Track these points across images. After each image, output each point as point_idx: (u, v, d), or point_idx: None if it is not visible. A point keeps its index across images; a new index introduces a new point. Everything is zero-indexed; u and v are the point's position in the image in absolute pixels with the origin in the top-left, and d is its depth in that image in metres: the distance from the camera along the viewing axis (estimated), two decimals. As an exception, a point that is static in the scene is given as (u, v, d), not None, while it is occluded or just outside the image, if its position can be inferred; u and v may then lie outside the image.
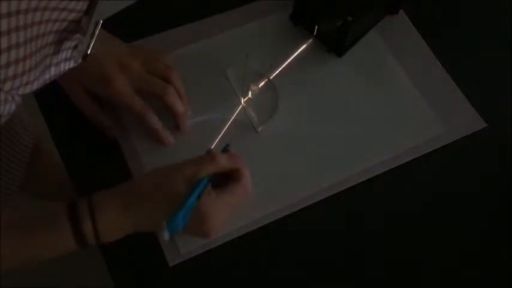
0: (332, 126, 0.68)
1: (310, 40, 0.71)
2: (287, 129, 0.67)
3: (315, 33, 0.72)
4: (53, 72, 0.46)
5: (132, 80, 0.62)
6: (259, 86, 0.68)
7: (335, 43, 0.71)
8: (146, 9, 0.74)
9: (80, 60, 0.49)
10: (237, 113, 0.67)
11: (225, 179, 0.58)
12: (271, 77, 0.69)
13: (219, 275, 0.61)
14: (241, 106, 0.68)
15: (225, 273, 0.60)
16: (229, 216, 0.57)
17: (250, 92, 0.68)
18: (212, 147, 0.65)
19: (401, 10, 0.76)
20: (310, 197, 0.64)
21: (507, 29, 0.78)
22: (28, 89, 0.42)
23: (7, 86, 0.39)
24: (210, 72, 0.70)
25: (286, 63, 0.69)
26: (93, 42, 0.47)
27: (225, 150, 0.60)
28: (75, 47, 0.47)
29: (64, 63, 0.47)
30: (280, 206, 0.63)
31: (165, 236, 0.53)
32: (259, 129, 0.67)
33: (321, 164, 0.66)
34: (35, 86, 0.43)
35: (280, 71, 0.69)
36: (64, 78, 0.64)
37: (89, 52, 0.48)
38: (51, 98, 0.67)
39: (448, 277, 0.62)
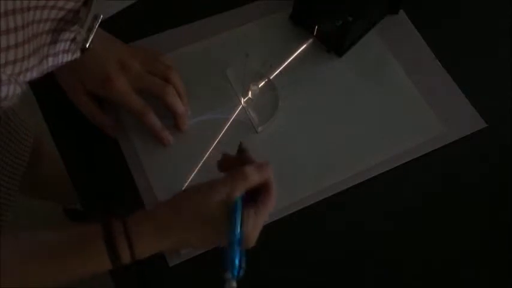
0: (332, 126, 0.68)
1: (310, 40, 0.71)
2: (287, 129, 0.67)
3: (315, 33, 0.72)
4: (50, 62, 0.46)
5: (132, 80, 0.62)
6: (259, 86, 0.68)
7: (335, 43, 0.71)
8: (146, 9, 0.74)
9: (78, 54, 0.49)
10: (237, 113, 0.67)
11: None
12: (271, 77, 0.69)
13: (219, 275, 0.60)
14: (241, 106, 0.68)
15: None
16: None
17: (250, 92, 0.68)
18: (212, 147, 0.65)
19: (401, 10, 0.76)
20: (310, 197, 0.64)
21: (507, 29, 0.78)
22: (28, 76, 0.42)
23: (8, 69, 0.39)
24: (210, 72, 0.70)
25: (286, 63, 0.69)
26: (92, 36, 0.47)
27: (241, 150, 0.57)
28: (74, 39, 0.47)
29: (62, 55, 0.47)
30: (280, 206, 0.63)
31: (234, 284, 0.50)
32: (259, 129, 0.67)
33: (321, 164, 0.66)
34: (35, 74, 0.43)
35: (280, 71, 0.69)
36: (64, 78, 0.64)
37: (87, 45, 0.48)
38: (51, 98, 0.67)
39: (448, 277, 0.62)
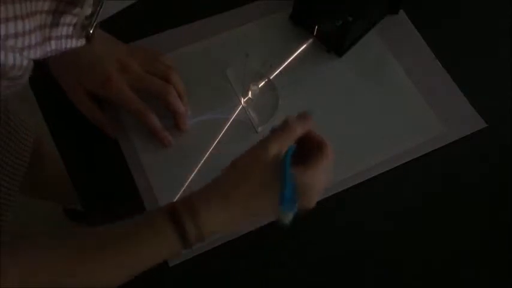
0: (332, 126, 0.68)
1: (310, 40, 0.71)
2: (287, 129, 0.67)
3: (315, 33, 0.72)
4: (53, 46, 0.45)
5: (131, 80, 0.62)
6: (259, 86, 0.68)
7: (335, 43, 0.71)
8: (146, 9, 0.74)
9: (84, 42, 0.49)
10: (237, 113, 0.67)
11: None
12: (271, 77, 0.69)
13: (219, 275, 0.61)
14: (241, 106, 0.68)
15: (225, 273, 0.60)
16: (328, 184, 0.55)
17: (250, 92, 0.68)
18: (212, 147, 0.65)
19: (401, 10, 0.76)
20: (310, 197, 0.64)
21: (507, 29, 0.78)
22: (32, 54, 0.41)
23: (10, 42, 0.39)
24: (210, 72, 0.70)
25: (286, 63, 0.69)
26: (96, 22, 0.47)
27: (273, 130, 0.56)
28: (76, 24, 0.47)
29: (66, 40, 0.46)
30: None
31: (286, 220, 0.52)
32: (259, 129, 0.67)
33: (321, 164, 0.66)
34: (38, 53, 0.42)
35: (280, 71, 0.69)
36: (64, 79, 0.64)
37: (91, 31, 0.47)
38: (51, 98, 0.67)
39: (448, 277, 0.62)
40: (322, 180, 0.54)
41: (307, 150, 0.54)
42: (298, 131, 0.54)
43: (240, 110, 0.68)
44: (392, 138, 0.68)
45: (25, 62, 0.41)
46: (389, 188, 0.66)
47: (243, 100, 0.68)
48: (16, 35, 0.39)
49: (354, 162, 0.66)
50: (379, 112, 0.70)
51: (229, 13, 0.75)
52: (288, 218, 0.51)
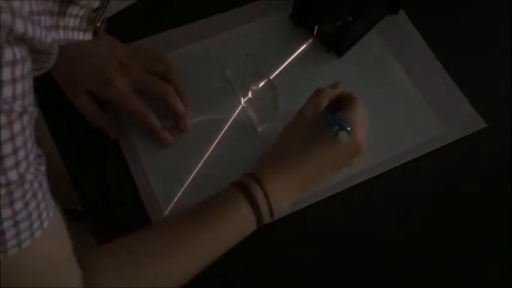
0: (332, 126, 0.68)
1: (310, 40, 0.71)
2: (287, 129, 0.67)
3: (315, 33, 0.72)
4: (62, 35, 0.45)
5: (132, 80, 0.62)
6: (259, 86, 0.68)
7: (335, 43, 0.71)
8: (146, 9, 0.74)
9: (90, 36, 0.49)
10: (237, 113, 0.67)
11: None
12: (271, 77, 0.69)
13: (218, 275, 0.60)
14: (241, 106, 0.68)
15: (224, 273, 0.60)
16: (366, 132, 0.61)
17: (250, 92, 0.68)
18: (212, 147, 0.65)
19: (401, 10, 0.76)
20: (310, 197, 0.64)
21: (507, 29, 0.78)
22: (49, 37, 0.40)
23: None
24: (210, 72, 0.70)
25: (286, 63, 0.69)
26: (102, 16, 0.46)
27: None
28: (83, 17, 0.47)
29: (73, 31, 0.46)
30: (280, 206, 0.63)
31: (345, 139, 0.57)
32: (259, 129, 0.67)
33: (321, 164, 0.66)
34: (49, 37, 0.42)
35: (280, 71, 0.69)
36: (64, 80, 0.64)
37: (98, 25, 0.47)
38: (51, 98, 0.67)
39: (448, 277, 0.62)
40: (363, 117, 0.60)
41: (341, 105, 0.62)
42: (329, 91, 0.62)
43: (240, 110, 0.68)
44: (392, 138, 0.68)
45: (49, 39, 0.40)
46: (390, 188, 0.66)
47: (243, 100, 0.68)
48: (31, 13, 0.38)
49: (354, 162, 0.66)
50: (379, 112, 0.70)
51: (229, 13, 0.75)
52: (344, 137, 0.57)
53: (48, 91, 0.68)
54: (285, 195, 0.58)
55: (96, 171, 0.65)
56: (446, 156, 0.68)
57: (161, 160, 0.64)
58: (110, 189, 0.64)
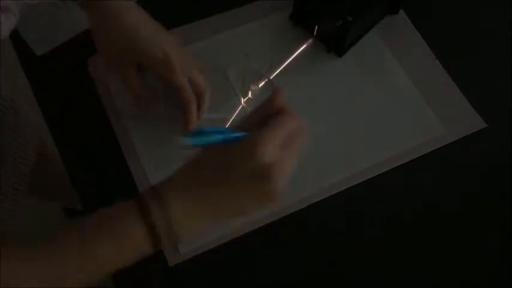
0: (332, 126, 0.68)
1: (310, 40, 0.71)
2: (287, 129, 0.67)
3: (315, 33, 0.72)
4: None
5: (185, 69, 0.62)
6: (259, 86, 0.68)
7: (335, 43, 0.71)
8: (146, 9, 0.74)
9: None
10: (237, 113, 0.67)
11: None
12: (271, 77, 0.69)
13: (218, 275, 0.61)
14: (241, 106, 0.68)
15: (224, 273, 0.60)
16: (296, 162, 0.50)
17: (250, 92, 0.68)
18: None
19: (401, 10, 0.76)
20: (310, 197, 0.64)
21: (507, 29, 0.78)
22: None
23: None
24: (210, 72, 0.70)
25: (286, 63, 0.69)
26: None
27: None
28: None
29: None
30: (280, 206, 0.63)
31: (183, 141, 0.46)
32: (259, 129, 0.67)
33: (320, 164, 0.66)
34: None
35: (280, 71, 0.69)
36: (112, 51, 0.62)
37: None
38: (51, 98, 0.67)
39: (448, 277, 0.62)
40: (280, 140, 0.47)
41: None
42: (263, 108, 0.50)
43: (240, 110, 0.68)
44: (392, 138, 0.68)
45: (13, 23, 0.38)
46: (390, 188, 0.66)
47: (243, 100, 0.68)
48: None
49: (354, 162, 0.66)
50: (379, 112, 0.70)
51: (229, 13, 0.75)
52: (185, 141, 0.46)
53: (48, 91, 0.68)
54: (193, 220, 0.47)
55: (96, 171, 0.65)
56: (446, 157, 0.68)
57: (161, 160, 0.64)
58: (109, 189, 0.64)
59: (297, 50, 0.70)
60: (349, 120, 0.69)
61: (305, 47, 0.70)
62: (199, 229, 0.48)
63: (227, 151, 0.47)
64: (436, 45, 0.74)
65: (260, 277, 0.61)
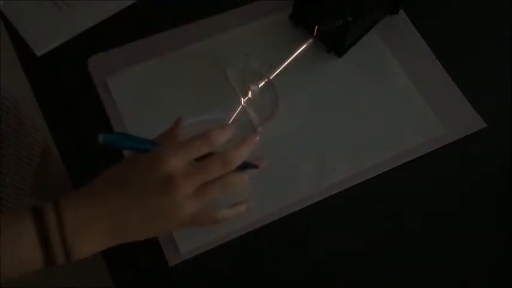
0: (332, 126, 0.68)
1: (310, 40, 0.71)
2: (287, 129, 0.67)
3: (315, 33, 0.72)
4: None
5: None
6: (259, 86, 0.68)
7: (335, 43, 0.71)
8: (146, 9, 0.74)
9: None
10: (237, 113, 0.67)
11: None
12: (271, 77, 0.69)
13: (218, 275, 0.61)
14: (241, 106, 0.68)
15: (225, 273, 0.61)
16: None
17: (250, 92, 0.68)
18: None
19: (401, 10, 0.76)
20: (310, 197, 0.64)
21: (507, 29, 0.78)
22: None
23: None
24: (210, 72, 0.70)
25: (286, 63, 0.69)
26: None
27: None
28: None
29: None
30: (280, 206, 0.63)
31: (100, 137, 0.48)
32: (259, 129, 0.67)
33: (321, 164, 0.66)
34: None
35: (280, 71, 0.69)
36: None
37: None
38: (51, 98, 0.67)
39: (448, 276, 0.62)
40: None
41: None
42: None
43: (240, 110, 0.68)
44: (392, 138, 0.68)
45: None
46: (389, 188, 0.66)
47: (243, 100, 0.68)
48: None
49: (354, 163, 0.66)
50: (379, 112, 0.70)
51: (229, 13, 0.75)
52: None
53: (48, 91, 0.68)
54: (89, 231, 0.46)
55: (96, 171, 0.65)
56: (446, 157, 0.68)
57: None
58: (110, 189, 0.64)
59: (297, 50, 0.70)
60: (349, 120, 0.69)
61: (305, 47, 0.70)
62: (102, 246, 0.47)
63: (132, 162, 0.47)
64: (436, 45, 0.74)
65: (260, 277, 0.61)
